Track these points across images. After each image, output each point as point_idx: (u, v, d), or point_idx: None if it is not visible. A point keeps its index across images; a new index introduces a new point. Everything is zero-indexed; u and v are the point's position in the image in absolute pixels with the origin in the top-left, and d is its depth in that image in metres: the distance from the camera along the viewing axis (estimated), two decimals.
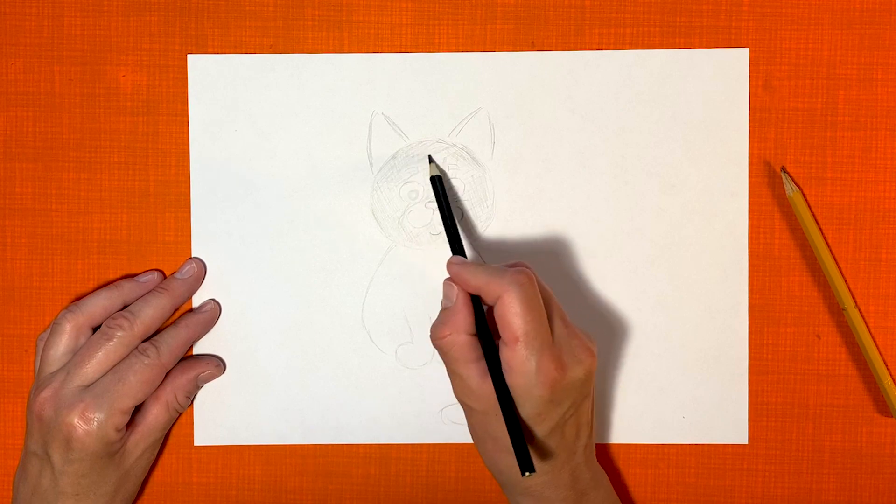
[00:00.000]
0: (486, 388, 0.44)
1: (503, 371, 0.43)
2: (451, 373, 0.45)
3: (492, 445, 0.45)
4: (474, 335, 0.45)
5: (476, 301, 0.45)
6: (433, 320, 0.46)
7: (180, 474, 0.52)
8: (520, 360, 0.43)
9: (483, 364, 0.44)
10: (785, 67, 0.51)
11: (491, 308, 0.45)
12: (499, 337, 0.44)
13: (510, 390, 0.43)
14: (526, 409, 0.43)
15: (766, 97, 0.51)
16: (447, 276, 0.46)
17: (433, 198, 0.51)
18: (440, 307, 0.46)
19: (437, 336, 0.45)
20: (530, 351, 0.43)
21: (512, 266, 0.45)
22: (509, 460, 0.44)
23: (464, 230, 0.51)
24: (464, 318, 0.44)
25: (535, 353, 0.43)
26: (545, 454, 0.44)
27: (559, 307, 0.45)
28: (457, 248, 0.47)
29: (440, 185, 0.49)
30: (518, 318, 0.43)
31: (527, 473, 0.42)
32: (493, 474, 0.47)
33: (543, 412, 0.43)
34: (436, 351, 0.45)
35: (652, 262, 0.51)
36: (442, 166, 0.51)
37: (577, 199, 0.51)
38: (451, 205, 0.50)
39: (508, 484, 0.46)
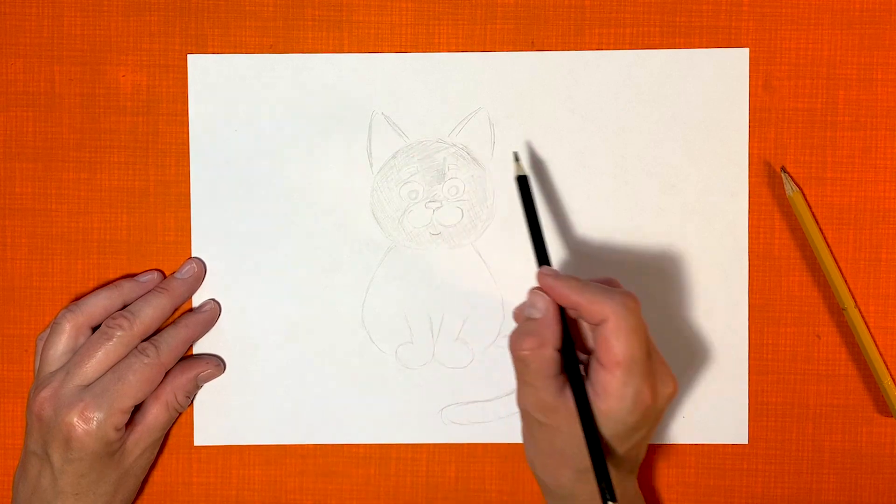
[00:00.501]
0: (563, 404, 0.42)
1: (593, 393, 0.42)
2: (526, 384, 0.43)
3: (555, 460, 0.44)
4: (559, 350, 0.43)
5: (562, 315, 0.44)
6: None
7: (180, 474, 0.52)
8: (617, 385, 0.41)
9: (561, 379, 0.43)
10: (785, 67, 0.51)
11: (574, 321, 0.43)
12: (584, 352, 0.43)
13: (597, 413, 0.42)
14: (610, 432, 0.42)
15: (766, 97, 0.51)
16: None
17: (433, 197, 0.51)
18: (521, 315, 0.45)
19: (522, 347, 0.43)
20: (631, 377, 0.41)
21: (607, 283, 0.44)
22: (572, 476, 0.43)
23: (463, 231, 0.51)
24: (553, 333, 0.43)
25: (635, 379, 0.41)
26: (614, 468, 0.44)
27: (649, 333, 0.44)
28: (543, 257, 0.46)
29: (527, 186, 0.47)
30: (624, 343, 0.41)
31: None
32: (544, 482, 0.46)
33: (626, 436, 0.43)
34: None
35: (652, 262, 0.51)
36: (441, 166, 0.51)
37: (577, 199, 0.51)
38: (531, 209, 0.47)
39: (560, 495, 0.45)
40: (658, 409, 0.43)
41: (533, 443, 0.45)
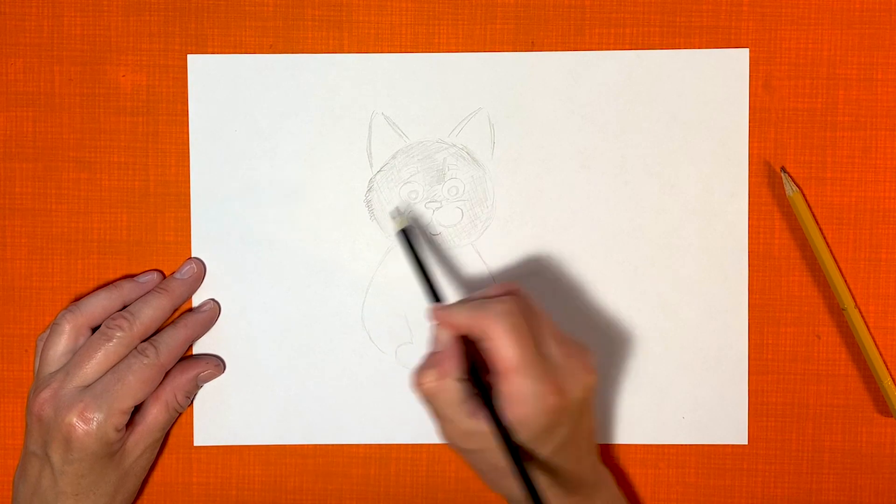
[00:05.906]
0: (478, 426, 0.42)
1: (501, 404, 0.42)
2: (440, 418, 0.44)
3: (497, 474, 0.44)
4: (462, 380, 0.43)
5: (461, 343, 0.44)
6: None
7: (180, 474, 0.52)
8: (518, 391, 0.41)
9: (469, 404, 0.43)
10: (785, 67, 0.51)
11: (474, 343, 0.43)
12: (486, 371, 0.43)
13: (511, 423, 0.42)
14: (528, 436, 0.42)
15: (766, 97, 0.51)
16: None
17: (433, 198, 0.51)
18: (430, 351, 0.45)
19: (423, 381, 0.43)
20: (526, 379, 0.41)
21: (496, 293, 0.44)
22: (518, 484, 0.43)
23: (463, 231, 0.51)
24: (454, 364, 0.43)
25: (531, 380, 0.41)
26: (551, 472, 0.44)
27: (552, 326, 0.44)
28: (435, 297, 0.46)
29: (409, 238, 0.48)
30: (509, 348, 0.41)
31: None
32: (500, 493, 0.46)
33: (545, 436, 0.42)
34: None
35: (652, 262, 0.51)
36: (441, 166, 0.51)
37: (577, 199, 0.51)
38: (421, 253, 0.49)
39: (519, 502, 0.45)
40: (574, 403, 0.43)
41: (474, 468, 0.46)
